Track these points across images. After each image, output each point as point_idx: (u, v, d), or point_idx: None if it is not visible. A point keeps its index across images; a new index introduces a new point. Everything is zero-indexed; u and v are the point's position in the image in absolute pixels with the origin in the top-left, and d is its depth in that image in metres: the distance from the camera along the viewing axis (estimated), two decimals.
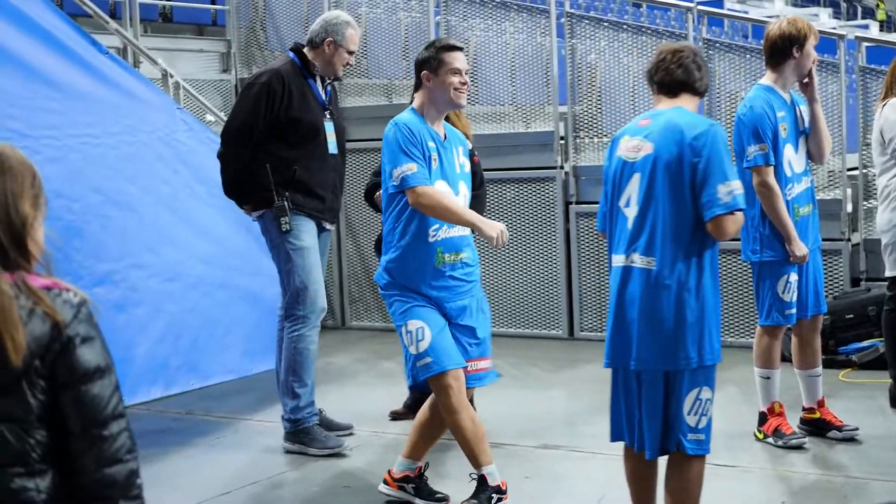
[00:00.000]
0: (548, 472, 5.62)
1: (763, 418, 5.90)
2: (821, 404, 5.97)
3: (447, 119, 5.09)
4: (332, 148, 6.07)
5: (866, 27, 19.25)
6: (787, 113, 5.73)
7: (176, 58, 9.94)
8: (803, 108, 5.82)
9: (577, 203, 8.92)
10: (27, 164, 2.28)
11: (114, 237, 7.19)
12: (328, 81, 6.13)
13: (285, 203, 5.87)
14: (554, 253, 9.00)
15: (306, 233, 5.96)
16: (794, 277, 5.70)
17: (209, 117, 8.89)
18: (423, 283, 4.79)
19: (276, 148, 5.90)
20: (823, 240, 6.16)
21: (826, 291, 6.32)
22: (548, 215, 9.00)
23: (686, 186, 4.04)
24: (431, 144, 4.77)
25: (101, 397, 2.20)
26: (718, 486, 4.92)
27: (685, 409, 4.09)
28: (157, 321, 7.33)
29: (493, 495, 4.82)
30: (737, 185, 4.05)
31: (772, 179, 5.61)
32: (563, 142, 9.04)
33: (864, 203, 8.21)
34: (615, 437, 4.32)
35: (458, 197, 4.82)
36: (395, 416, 6.60)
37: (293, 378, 5.96)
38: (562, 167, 8.99)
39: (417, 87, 4.90)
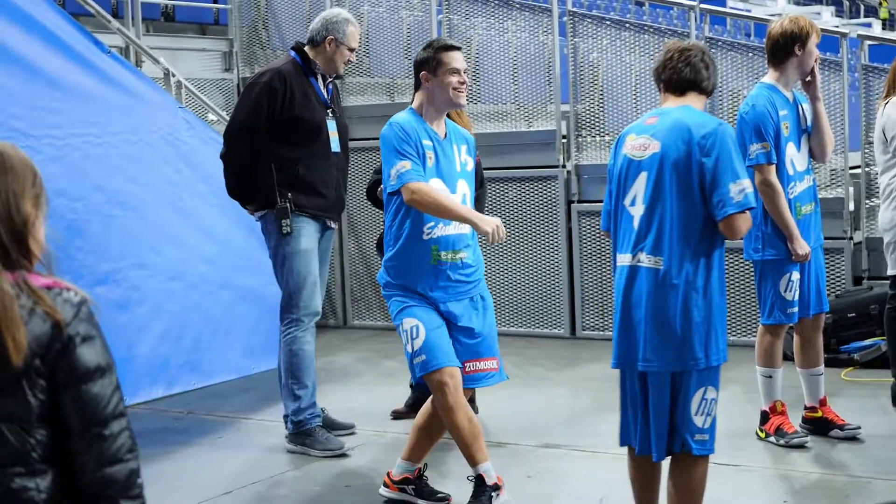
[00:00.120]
0: (549, 472, 5.62)
1: (765, 417, 5.90)
2: (823, 403, 5.97)
3: (448, 118, 5.09)
4: (335, 146, 6.07)
5: (869, 25, 19.24)
6: (790, 111, 5.73)
7: (178, 57, 9.95)
8: (806, 107, 5.82)
9: (579, 202, 8.92)
10: (28, 164, 2.28)
11: (116, 236, 7.19)
12: (329, 80, 6.14)
13: (287, 205, 5.87)
14: (556, 252, 9.00)
15: (306, 236, 5.96)
16: (796, 276, 5.70)
17: (211, 116, 8.90)
18: (420, 281, 4.79)
19: (279, 147, 5.90)
20: (825, 238, 6.16)
21: (828, 290, 6.32)
22: (550, 214, 9.00)
23: (694, 185, 4.02)
24: (427, 143, 4.77)
25: (101, 396, 2.20)
26: (720, 485, 4.92)
27: (692, 410, 4.08)
28: (158, 320, 7.33)
29: (492, 494, 4.82)
30: (748, 184, 4.04)
31: (774, 178, 5.60)
32: (565, 140, 9.04)
33: (867, 201, 8.21)
34: (623, 441, 4.28)
35: (455, 195, 4.82)
36: (397, 415, 6.60)
37: (292, 381, 5.98)
38: (564, 166, 8.99)
39: (417, 87, 4.90)
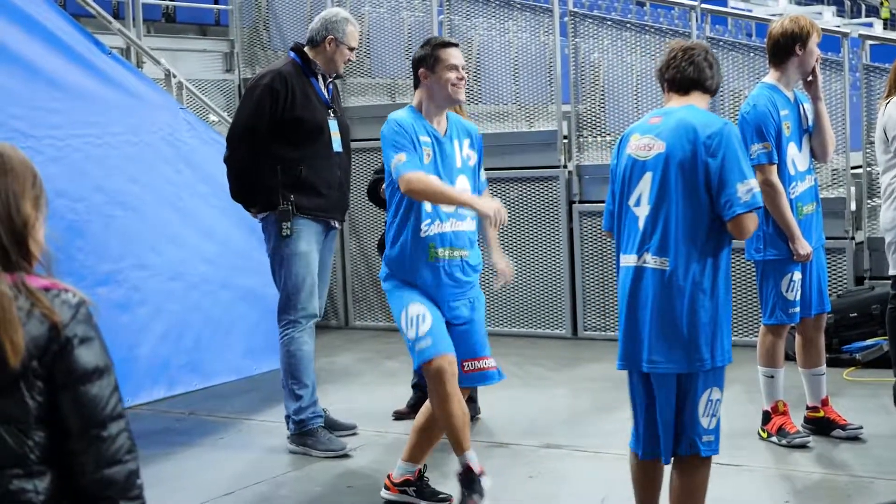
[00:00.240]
0: (551, 472, 5.61)
1: (767, 417, 5.89)
2: (825, 403, 5.96)
3: None
4: (337, 146, 6.08)
5: (870, 25, 19.23)
6: (791, 111, 5.72)
7: (179, 58, 9.94)
8: (807, 107, 5.81)
9: (581, 202, 8.91)
10: (28, 165, 2.28)
11: (116, 237, 7.19)
12: (330, 79, 6.14)
13: (289, 207, 5.88)
14: (557, 252, 8.99)
15: (306, 238, 5.96)
16: (797, 276, 5.69)
17: (212, 117, 8.89)
18: (418, 278, 4.81)
19: (281, 149, 5.90)
20: (827, 238, 6.15)
21: (830, 290, 6.31)
22: (551, 214, 9.00)
23: (700, 185, 4.00)
24: (425, 139, 4.78)
25: (99, 398, 2.19)
26: (722, 485, 4.91)
27: (700, 411, 4.07)
28: (159, 321, 7.33)
29: (481, 480, 4.84)
30: (754, 183, 4.02)
31: (775, 178, 5.60)
32: (566, 141, 9.03)
33: (868, 201, 8.20)
34: (635, 444, 4.27)
35: None
36: (399, 415, 6.59)
37: (292, 381, 5.99)
38: (565, 166, 8.98)
39: (416, 84, 4.91)
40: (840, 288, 8.03)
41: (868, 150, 8.16)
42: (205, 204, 7.71)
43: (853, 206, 8.17)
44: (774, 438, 5.82)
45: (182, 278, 7.51)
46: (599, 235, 8.58)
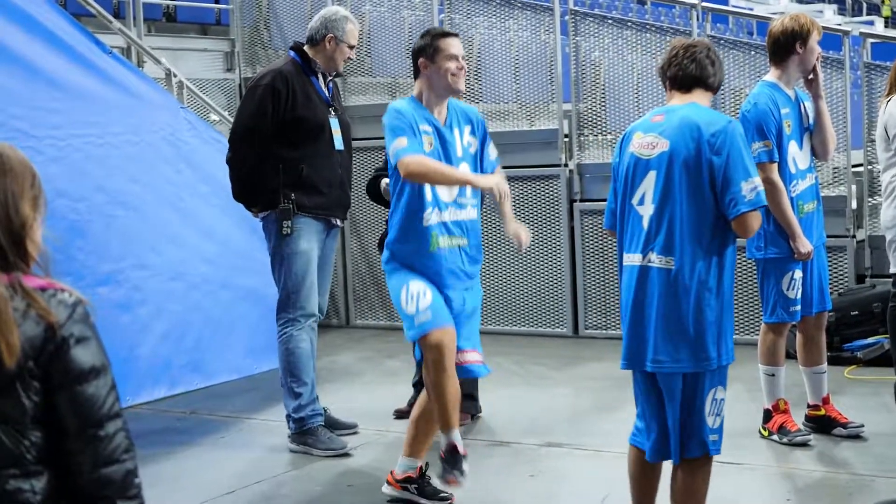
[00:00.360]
0: (552, 471, 5.61)
1: (768, 415, 5.89)
2: (826, 401, 5.96)
3: None
4: (338, 144, 6.08)
5: (871, 23, 19.19)
6: (792, 109, 5.72)
7: (179, 57, 9.95)
8: (808, 105, 5.81)
9: (582, 201, 8.91)
10: (27, 165, 2.28)
11: (117, 237, 7.19)
12: (330, 78, 6.14)
13: (290, 206, 5.88)
14: (558, 251, 8.99)
15: (306, 237, 5.96)
16: (798, 274, 5.69)
17: (213, 116, 8.90)
18: (420, 265, 4.84)
19: (282, 148, 5.90)
20: (828, 236, 6.15)
21: (831, 288, 6.31)
22: (552, 213, 8.99)
23: (705, 184, 3.98)
24: (426, 128, 4.80)
25: (96, 397, 2.19)
26: (724, 483, 4.90)
27: (706, 411, 4.05)
28: (160, 321, 7.33)
29: (462, 459, 4.85)
30: (759, 181, 4.01)
31: (776, 176, 5.59)
32: (567, 139, 9.03)
33: (869, 199, 8.20)
34: (643, 446, 4.26)
35: None
36: (400, 414, 6.59)
37: (291, 379, 5.99)
38: (566, 165, 8.98)
39: (417, 75, 4.92)
40: (841, 286, 8.02)
41: (869, 149, 8.15)
42: (205, 204, 7.71)
43: (854, 205, 8.17)
44: (775, 437, 5.82)
45: (183, 278, 7.51)
46: (600, 234, 8.58)
